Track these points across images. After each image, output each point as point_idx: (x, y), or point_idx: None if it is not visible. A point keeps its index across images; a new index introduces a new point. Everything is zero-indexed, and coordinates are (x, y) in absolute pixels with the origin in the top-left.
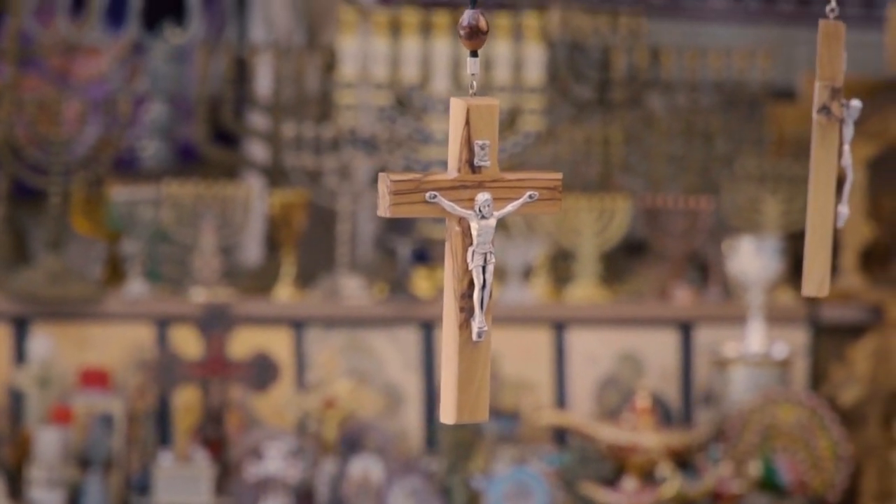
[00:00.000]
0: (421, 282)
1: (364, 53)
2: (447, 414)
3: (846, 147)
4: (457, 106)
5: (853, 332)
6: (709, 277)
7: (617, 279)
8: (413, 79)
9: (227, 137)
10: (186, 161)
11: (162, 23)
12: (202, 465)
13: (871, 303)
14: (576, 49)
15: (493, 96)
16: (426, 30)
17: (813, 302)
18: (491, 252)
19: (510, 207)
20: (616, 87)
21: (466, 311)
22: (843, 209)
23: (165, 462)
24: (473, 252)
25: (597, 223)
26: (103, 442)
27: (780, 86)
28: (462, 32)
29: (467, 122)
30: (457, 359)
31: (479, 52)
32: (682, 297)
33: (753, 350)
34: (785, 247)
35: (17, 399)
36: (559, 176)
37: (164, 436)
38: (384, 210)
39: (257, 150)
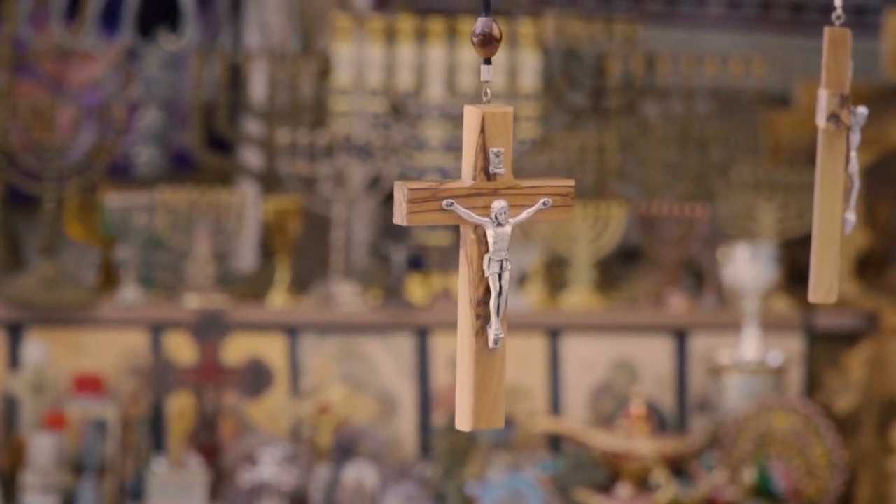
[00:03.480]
0: (415, 288)
1: (359, 60)
2: (463, 421)
3: (853, 154)
4: (471, 113)
5: (848, 339)
6: (704, 285)
7: (612, 286)
8: (408, 85)
9: (221, 144)
10: (181, 167)
11: (156, 29)
12: (196, 472)
13: (866, 310)
14: (571, 56)
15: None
16: (421, 36)
17: (808, 309)
18: (507, 259)
19: (525, 214)
20: (611, 94)
21: (482, 319)
22: (851, 216)
23: (159, 468)
24: (490, 259)
25: (592, 230)
26: (97, 448)
27: (776, 93)
28: (475, 40)
29: (482, 130)
30: (473, 366)
31: (469, 57)
32: (677, 305)
33: (748, 357)
34: (780, 254)
35: (10, 405)
36: (572, 183)
37: (157, 442)
38: (401, 218)
39: (252, 157)
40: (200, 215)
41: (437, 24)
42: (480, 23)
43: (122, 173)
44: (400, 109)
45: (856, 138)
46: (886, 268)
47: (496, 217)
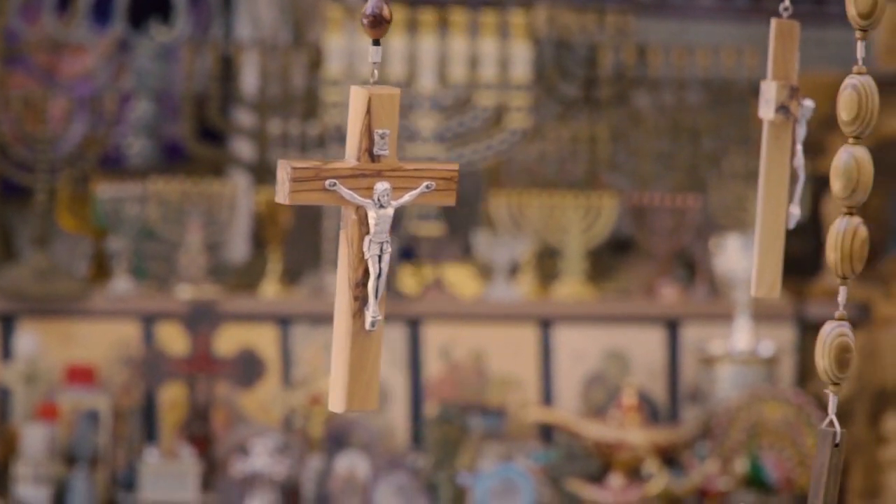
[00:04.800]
0: (407, 279)
1: (350, 51)
2: (336, 403)
3: (799, 147)
4: (358, 94)
5: None
6: (696, 275)
7: (603, 277)
8: (399, 76)
9: (213, 135)
10: (172, 158)
11: (148, 20)
12: (188, 462)
13: (858, 301)
14: (562, 46)
15: (479, 94)
16: (412, 27)
17: (800, 300)
18: (388, 241)
19: (408, 197)
20: (603, 85)
21: (361, 301)
22: (795, 210)
23: (151, 459)
24: (370, 241)
25: (583, 221)
26: (89, 438)
27: None
28: (365, 21)
29: (368, 111)
30: (349, 348)
31: (460, 48)
32: (669, 295)
33: (740, 348)
34: None
35: (3, 396)
36: (456, 167)
37: (150, 432)
38: (283, 197)
39: (243, 148)
40: (192, 206)
41: (427, 15)
42: (371, 4)
43: (114, 164)
44: None
45: (802, 131)
46: (878, 258)
47: (378, 199)
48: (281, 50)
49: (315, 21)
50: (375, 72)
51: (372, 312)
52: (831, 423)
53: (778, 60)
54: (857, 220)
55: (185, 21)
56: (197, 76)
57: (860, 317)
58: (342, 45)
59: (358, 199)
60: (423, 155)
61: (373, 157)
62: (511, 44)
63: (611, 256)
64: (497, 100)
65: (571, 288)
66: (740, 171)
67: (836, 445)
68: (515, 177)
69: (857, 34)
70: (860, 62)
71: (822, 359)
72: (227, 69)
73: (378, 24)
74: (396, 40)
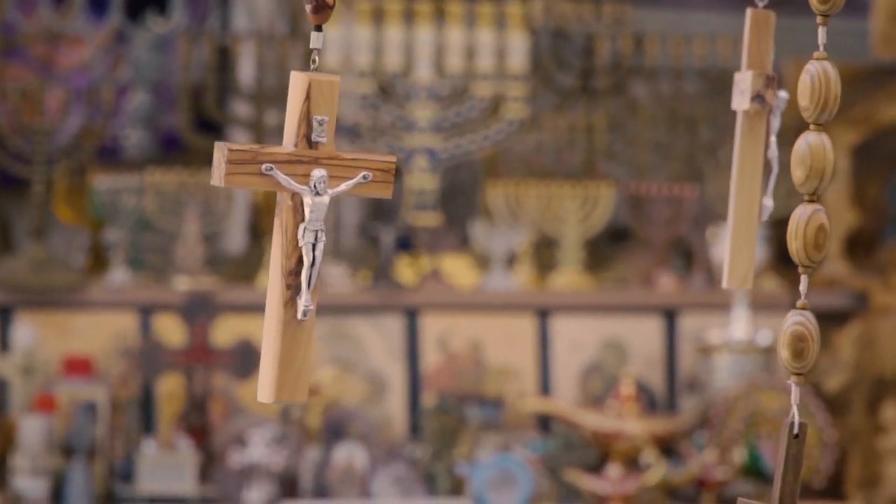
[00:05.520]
0: (404, 269)
1: (347, 41)
2: (265, 393)
3: (773, 138)
4: (297, 79)
5: (838, 318)
6: (693, 265)
7: (601, 266)
8: (396, 67)
9: (210, 126)
10: (169, 149)
11: (144, 12)
12: (186, 453)
13: (855, 289)
14: (559, 36)
15: (476, 84)
16: (409, 17)
17: (797, 289)
18: (322, 230)
19: (344, 186)
20: (600, 75)
21: (293, 289)
22: (768, 202)
23: (149, 450)
24: (305, 229)
25: (580, 210)
26: (87, 430)
27: None
28: (308, 7)
29: (308, 97)
30: (280, 337)
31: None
32: (667, 285)
33: (738, 337)
34: (769, 234)
35: (0, 388)
36: (394, 159)
37: (147, 423)
38: (219, 179)
39: (240, 139)
40: (189, 197)
41: (424, 6)
42: None
43: (111, 156)
44: (388, 90)
45: (776, 122)
46: (875, 247)
47: (315, 186)
48: (277, 41)
49: None
50: (316, 58)
51: (304, 302)
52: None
53: (753, 50)
54: (814, 206)
55: (181, 12)
56: (194, 67)
57: (857, 306)
58: (339, 35)
59: (294, 185)
60: (421, 145)
61: (310, 144)
62: (508, 34)
63: (608, 246)
64: (494, 90)
65: (569, 278)
66: None
67: (796, 437)
68: (512, 167)
69: (819, 20)
70: (821, 48)
71: (781, 349)
72: (224, 60)
73: (321, 10)
74: (393, 31)
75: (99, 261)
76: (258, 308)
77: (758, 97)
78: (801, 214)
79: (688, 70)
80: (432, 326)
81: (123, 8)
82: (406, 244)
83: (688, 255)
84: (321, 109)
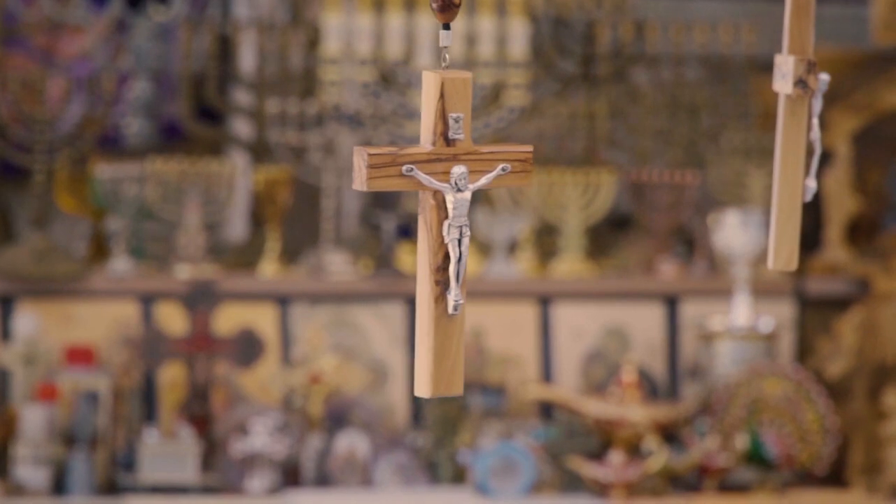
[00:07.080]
0: (406, 257)
1: (348, 29)
2: (422, 388)
3: (815, 121)
4: (430, 79)
5: (839, 304)
6: (695, 251)
7: (602, 253)
8: (397, 54)
9: (211, 114)
10: (171, 138)
11: (145, 1)
12: (188, 442)
13: (857, 275)
14: (560, 23)
15: (476, 71)
16: (410, 5)
17: (799, 275)
18: (466, 225)
19: (484, 180)
20: (601, 62)
21: (442, 285)
22: (812, 183)
23: (151, 439)
24: (449, 225)
25: (582, 197)
26: (89, 419)
27: (766, 59)
28: (435, 5)
29: (442, 96)
30: (432, 333)
31: (457, 26)
32: (668, 271)
33: (739, 323)
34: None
35: (2, 377)
36: (530, 149)
37: (149, 412)
38: (360, 184)
39: (241, 127)
40: (191, 186)
41: None
42: None
43: (112, 144)
44: (389, 78)
45: (818, 105)
46: (877, 233)
47: (456, 183)
48: (279, 29)
49: (313, 0)
50: (447, 55)
51: (454, 296)
52: None
53: (794, 34)
54: None
55: (182, 1)
56: (195, 56)
57: (859, 292)
58: (340, 23)
59: (435, 183)
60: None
61: (448, 142)
62: (508, 21)
63: (610, 233)
64: (495, 77)
65: (571, 265)
66: (739, 147)
67: None
68: None
69: None
70: None
71: None
72: (225, 48)
73: (447, 9)
74: (394, 18)
75: (100, 250)
76: (260, 296)
77: (800, 82)
78: None
79: (689, 57)
80: None
81: None
82: (407, 232)
83: (689, 242)
84: (456, 107)
